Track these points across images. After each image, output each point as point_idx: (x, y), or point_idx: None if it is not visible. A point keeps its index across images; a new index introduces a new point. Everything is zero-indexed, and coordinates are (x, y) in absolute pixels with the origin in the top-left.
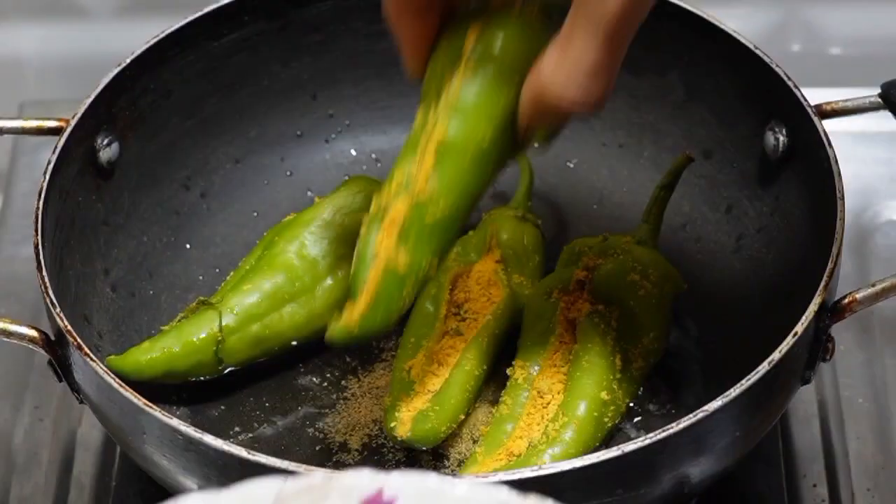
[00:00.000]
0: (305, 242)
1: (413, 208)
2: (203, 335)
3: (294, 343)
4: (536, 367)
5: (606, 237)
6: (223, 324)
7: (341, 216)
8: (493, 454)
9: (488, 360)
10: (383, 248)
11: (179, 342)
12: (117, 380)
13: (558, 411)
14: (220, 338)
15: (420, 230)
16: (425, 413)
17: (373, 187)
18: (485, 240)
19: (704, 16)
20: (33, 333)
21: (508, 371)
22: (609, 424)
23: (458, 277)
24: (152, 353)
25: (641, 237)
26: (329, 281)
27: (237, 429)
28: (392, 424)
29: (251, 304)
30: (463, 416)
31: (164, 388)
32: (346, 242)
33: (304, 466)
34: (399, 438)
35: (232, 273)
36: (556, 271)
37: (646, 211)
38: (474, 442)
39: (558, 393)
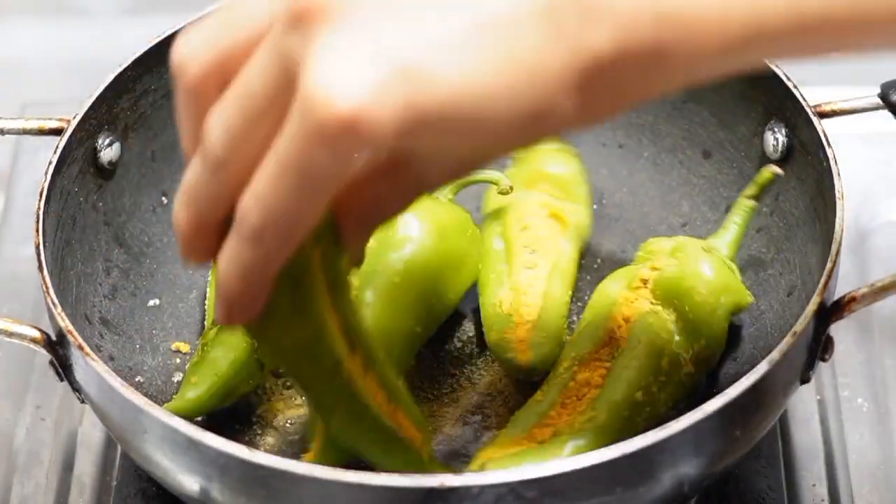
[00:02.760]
0: None
1: None
2: (241, 345)
3: None
4: (582, 359)
5: (679, 239)
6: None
7: None
8: (515, 437)
9: (571, 286)
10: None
11: (224, 361)
12: (118, 379)
13: (589, 405)
14: (255, 344)
15: None
16: (538, 341)
17: None
18: (530, 174)
19: None
20: (34, 333)
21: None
22: (642, 425)
23: (515, 213)
24: (208, 383)
25: (713, 244)
26: None
27: (238, 427)
28: (510, 355)
29: None
30: (565, 341)
31: (163, 386)
32: None
33: (305, 465)
34: (524, 366)
35: (208, 292)
36: (626, 267)
37: (727, 219)
38: None
39: (596, 387)
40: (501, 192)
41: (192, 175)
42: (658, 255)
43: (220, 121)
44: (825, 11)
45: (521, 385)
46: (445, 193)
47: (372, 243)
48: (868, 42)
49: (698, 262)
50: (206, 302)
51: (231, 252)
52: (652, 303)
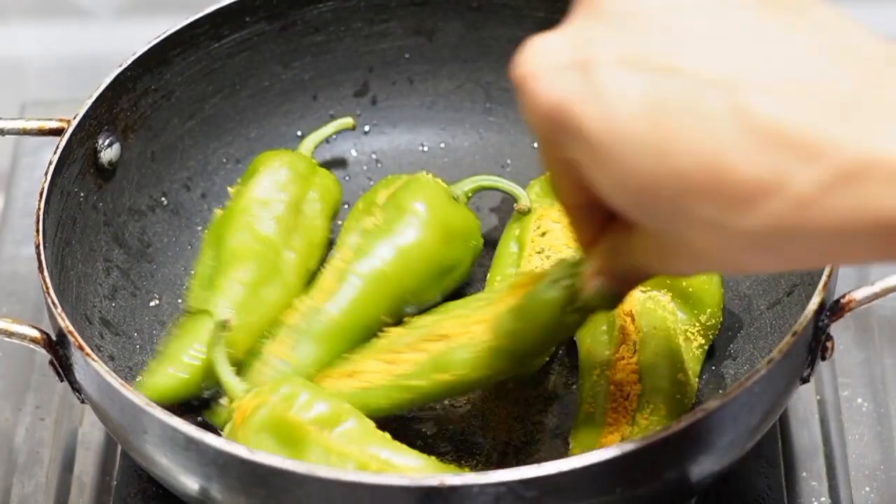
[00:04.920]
0: (254, 226)
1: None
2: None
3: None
4: (607, 363)
5: None
6: (223, 320)
7: (275, 191)
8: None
9: None
10: None
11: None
12: (118, 379)
13: (642, 401)
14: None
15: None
16: None
17: (286, 157)
18: None
19: None
20: (35, 333)
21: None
22: (689, 405)
23: (538, 218)
24: (181, 372)
25: None
26: (290, 254)
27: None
28: None
29: (238, 297)
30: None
31: None
32: (289, 213)
33: (305, 465)
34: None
35: (193, 281)
36: None
37: None
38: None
39: (636, 383)
40: (519, 212)
41: None
42: None
43: None
44: None
45: (518, 385)
46: (465, 192)
47: (372, 222)
48: None
49: None
50: None
51: None
52: (643, 290)
